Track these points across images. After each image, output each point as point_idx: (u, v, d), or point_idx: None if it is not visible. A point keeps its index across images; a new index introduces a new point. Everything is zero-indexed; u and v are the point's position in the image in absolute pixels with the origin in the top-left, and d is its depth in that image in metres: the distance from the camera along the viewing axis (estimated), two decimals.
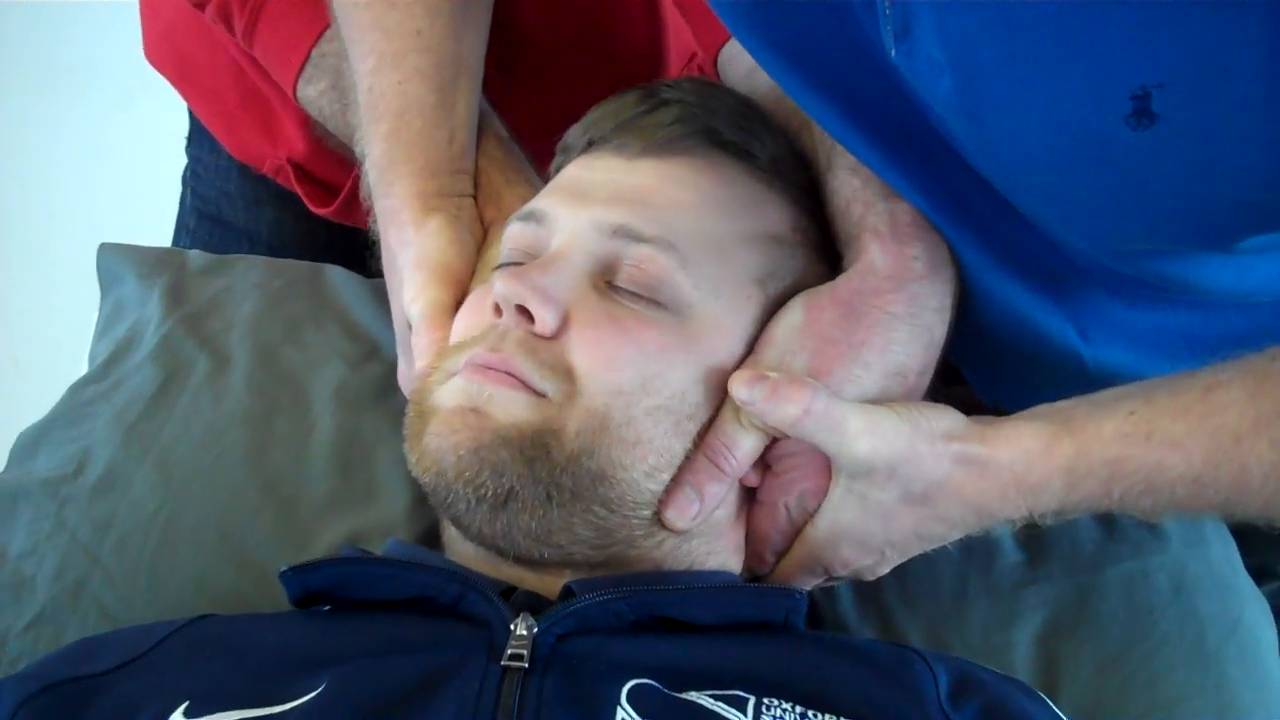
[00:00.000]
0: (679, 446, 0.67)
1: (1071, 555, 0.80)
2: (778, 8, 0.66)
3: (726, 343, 0.68)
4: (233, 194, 1.13)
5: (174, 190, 1.19)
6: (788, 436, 0.67)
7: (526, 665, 0.58)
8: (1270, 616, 0.83)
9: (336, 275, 0.96)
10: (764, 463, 0.70)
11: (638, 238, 0.68)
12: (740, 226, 0.71)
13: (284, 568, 0.65)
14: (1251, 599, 0.82)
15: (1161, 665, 0.76)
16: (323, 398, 0.86)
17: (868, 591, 0.80)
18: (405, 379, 0.79)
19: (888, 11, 0.59)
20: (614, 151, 0.73)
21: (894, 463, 0.66)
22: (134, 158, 1.92)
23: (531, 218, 0.71)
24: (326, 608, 0.67)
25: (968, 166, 0.66)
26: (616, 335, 0.65)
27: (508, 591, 0.65)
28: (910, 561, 0.74)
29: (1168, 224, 0.62)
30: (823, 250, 0.74)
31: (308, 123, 0.99)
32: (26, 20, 2.20)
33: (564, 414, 0.64)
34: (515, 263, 0.71)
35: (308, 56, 0.91)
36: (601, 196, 0.70)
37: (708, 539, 0.69)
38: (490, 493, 0.63)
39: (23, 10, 2.19)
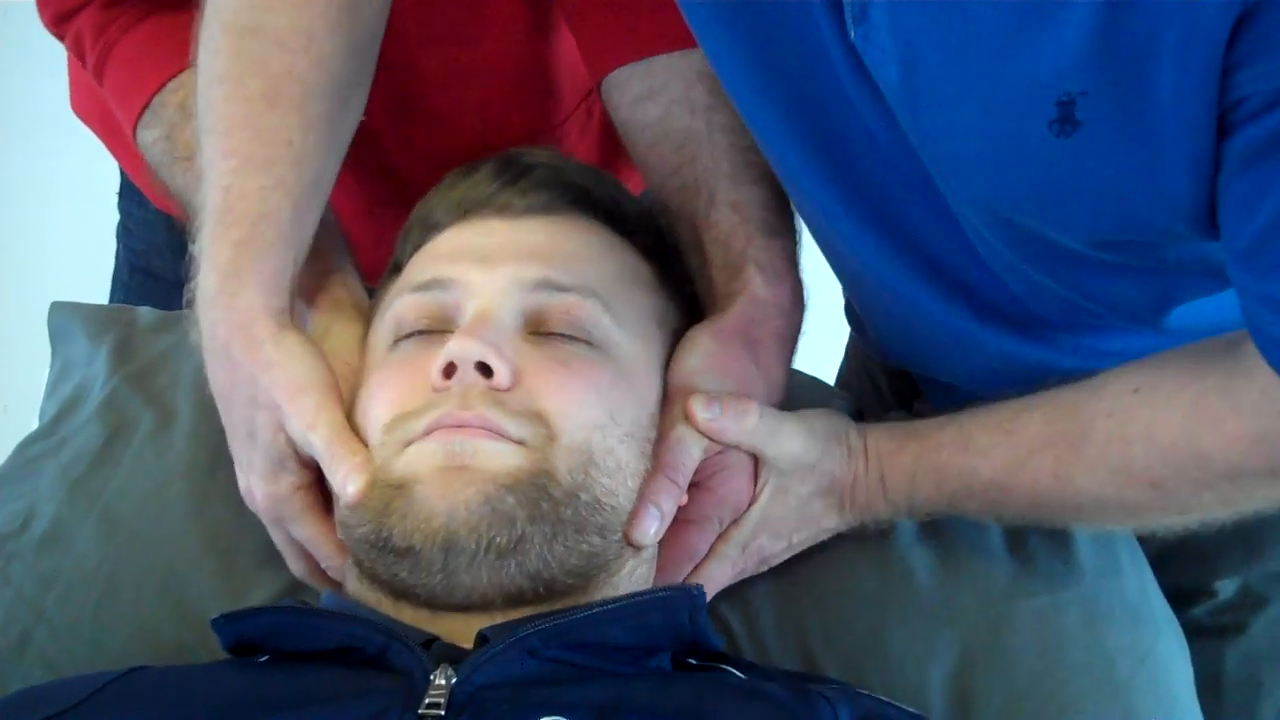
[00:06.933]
0: (644, 468, 0.72)
1: (985, 588, 0.82)
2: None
3: (647, 376, 0.75)
4: (161, 246, 1.13)
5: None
6: (724, 450, 0.75)
7: (442, 713, 0.59)
8: (1184, 646, 0.85)
9: None
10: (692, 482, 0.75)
11: (559, 288, 0.72)
12: (628, 274, 0.78)
13: (215, 616, 0.67)
14: (1166, 629, 0.84)
15: (1070, 698, 0.78)
16: None
17: (789, 622, 0.82)
18: (257, 496, 0.76)
19: None
20: (495, 214, 0.77)
21: (817, 459, 0.77)
22: (84, 209, 1.92)
23: (435, 285, 0.73)
24: (264, 658, 0.69)
25: (919, 201, 0.70)
26: (571, 376, 0.69)
27: (429, 642, 0.66)
28: (829, 591, 0.80)
29: (1089, 227, 0.64)
30: (675, 293, 0.82)
31: None
32: None
33: (550, 455, 0.67)
34: (424, 331, 0.73)
35: (149, 102, 0.90)
36: (507, 255, 0.74)
37: (646, 557, 0.74)
38: (503, 540, 0.64)
39: None
